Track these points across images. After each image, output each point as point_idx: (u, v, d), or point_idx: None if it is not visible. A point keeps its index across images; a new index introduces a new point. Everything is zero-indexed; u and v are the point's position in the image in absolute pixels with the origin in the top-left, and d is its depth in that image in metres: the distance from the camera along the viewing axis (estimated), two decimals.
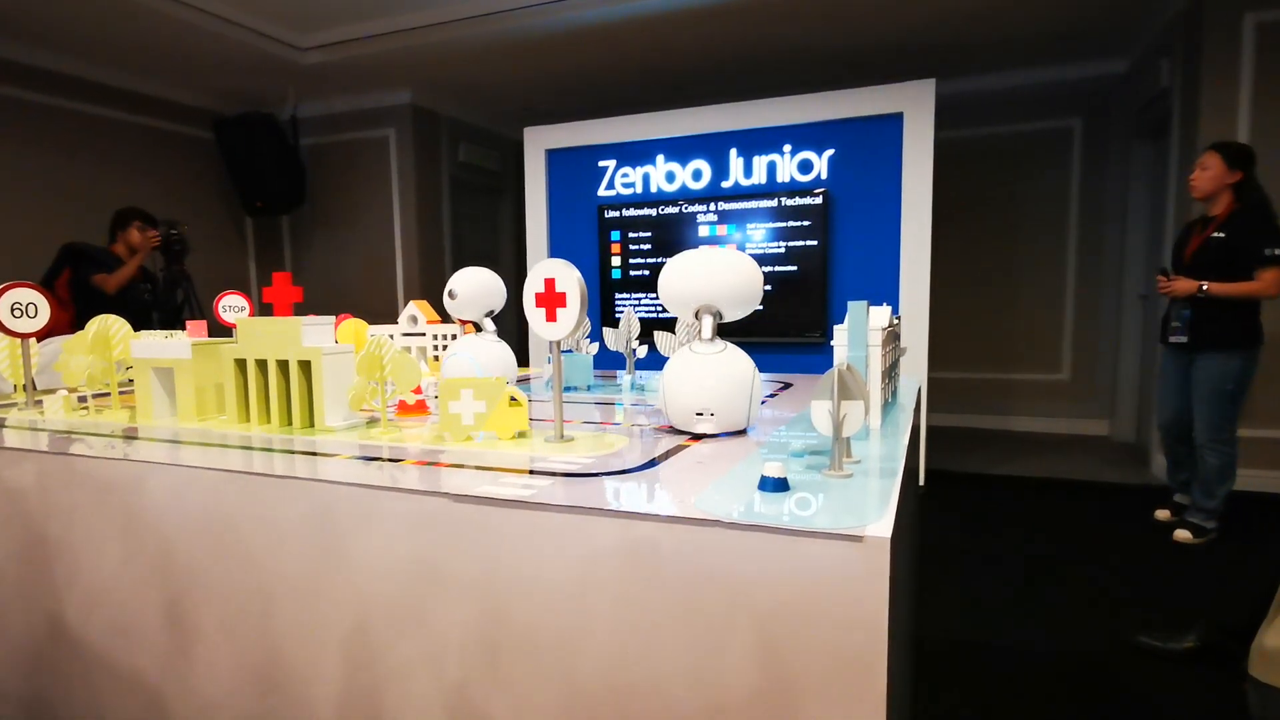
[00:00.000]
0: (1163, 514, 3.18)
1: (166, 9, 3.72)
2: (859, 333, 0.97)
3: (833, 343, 1.04)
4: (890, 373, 1.18)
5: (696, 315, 1.03)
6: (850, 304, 1.00)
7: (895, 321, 1.24)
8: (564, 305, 0.99)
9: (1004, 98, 5.06)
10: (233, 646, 0.97)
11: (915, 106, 3.55)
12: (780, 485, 0.70)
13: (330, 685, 0.90)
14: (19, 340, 1.48)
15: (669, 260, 1.05)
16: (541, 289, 0.99)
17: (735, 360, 1.01)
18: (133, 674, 1.07)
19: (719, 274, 1.00)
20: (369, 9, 4.02)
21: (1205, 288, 2.74)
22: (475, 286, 1.49)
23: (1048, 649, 2.13)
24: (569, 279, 0.98)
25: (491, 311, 1.55)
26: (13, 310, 1.43)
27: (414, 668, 0.84)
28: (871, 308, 1.05)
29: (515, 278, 6.72)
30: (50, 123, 4.36)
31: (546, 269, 0.99)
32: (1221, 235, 2.75)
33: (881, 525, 0.58)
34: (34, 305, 1.46)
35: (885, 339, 1.06)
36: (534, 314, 1.00)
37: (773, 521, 0.62)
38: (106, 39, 4.10)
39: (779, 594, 0.62)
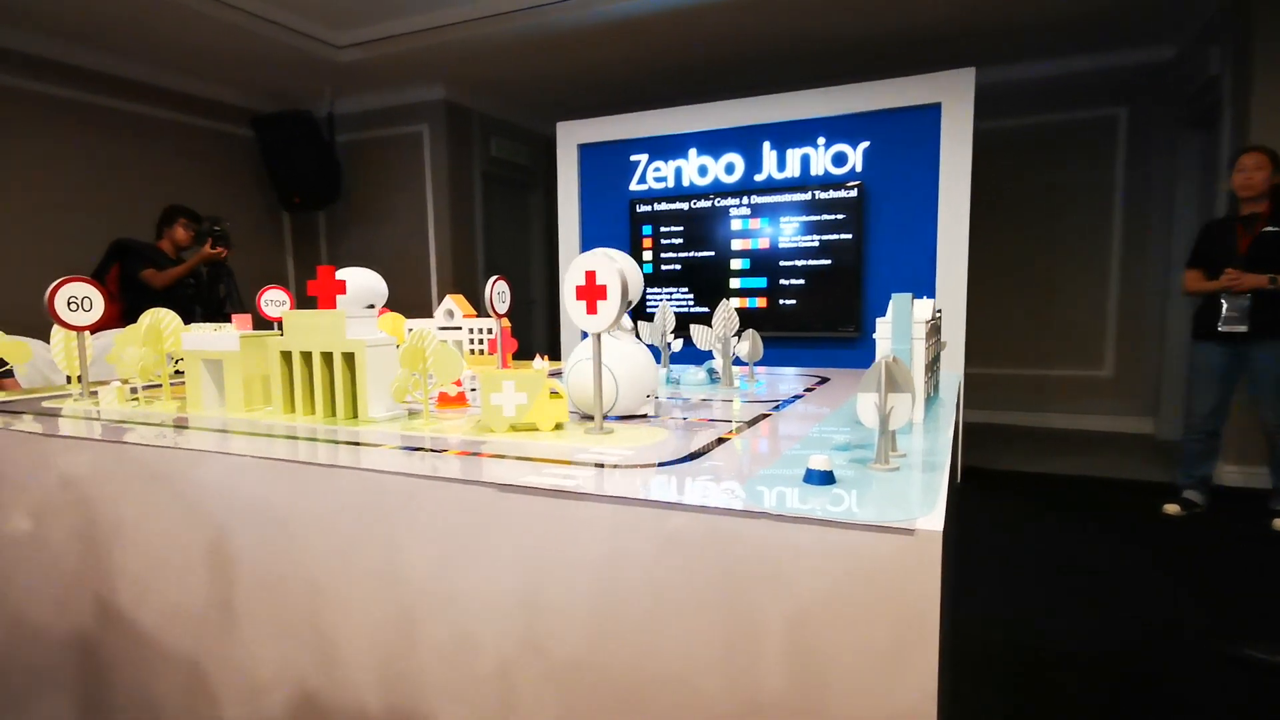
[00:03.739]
0: (1172, 509, 3.23)
1: (210, 10, 3.81)
2: (903, 325, 0.96)
3: (875, 335, 1.03)
4: (932, 367, 1.16)
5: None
6: (894, 296, 0.98)
7: (937, 315, 1.23)
8: (604, 298, 0.99)
9: (1045, 86, 4.93)
10: (280, 631, 0.99)
11: (954, 97, 3.48)
12: (826, 478, 0.69)
13: (373, 669, 0.92)
14: (74, 333, 1.53)
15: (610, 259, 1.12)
16: (582, 281, 0.99)
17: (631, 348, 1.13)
18: (182, 657, 1.11)
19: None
20: (404, 6, 4.06)
21: (1277, 279, 2.86)
22: (353, 286, 1.56)
23: (1085, 648, 2.09)
24: (609, 272, 0.98)
25: (372, 306, 1.62)
26: (69, 304, 1.48)
27: (453, 654, 0.85)
28: (912, 296, 1.03)
29: (546, 272, 6.75)
30: (100, 121, 4.49)
31: (587, 261, 0.99)
32: (1277, 229, 2.91)
33: (932, 519, 0.58)
34: (89, 299, 1.51)
35: (928, 332, 1.04)
36: (574, 306, 1.01)
37: (820, 514, 0.62)
38: (152, 40, 4.21)
39: (827, 587, 0.62)
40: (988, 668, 2.00)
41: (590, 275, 0.99)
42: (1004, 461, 4.25)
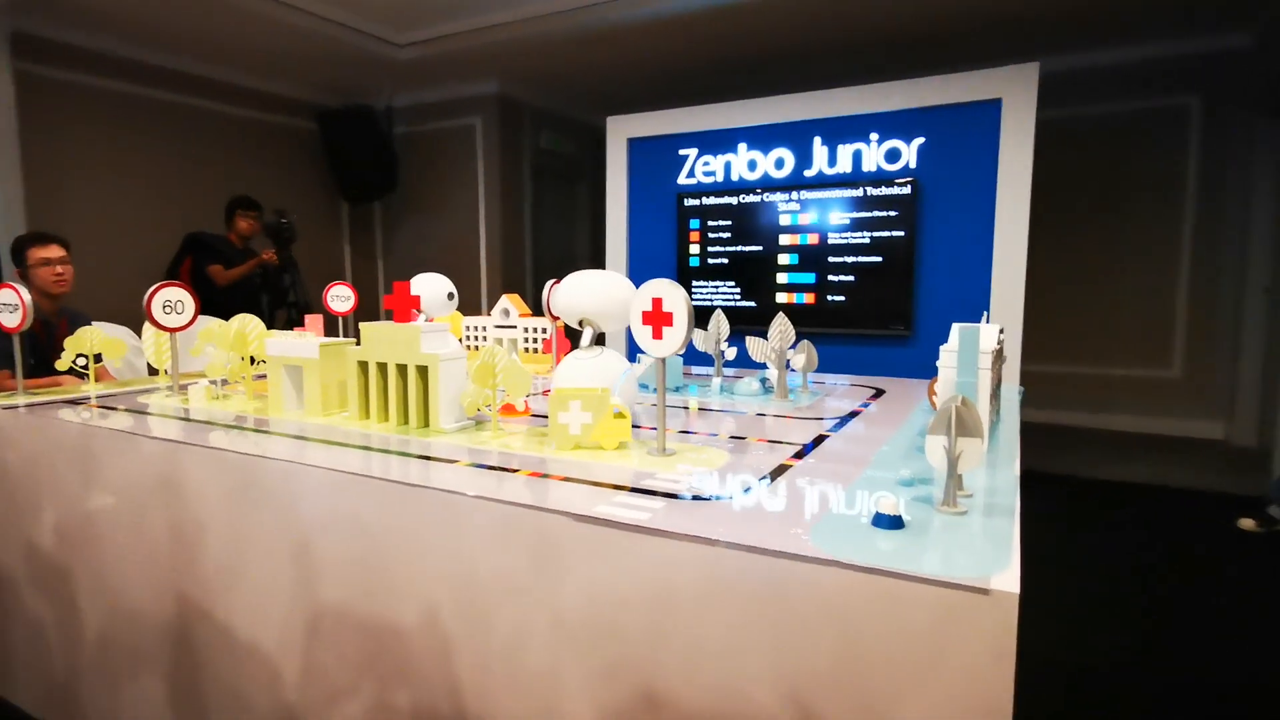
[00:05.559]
0: (1248, 523, 3.04)
1: (282, 14, 3.97)
2: (969, 358, 0.96)
3: (938, 363, 1.03)
4: (996, 392, 1.16)
5: (580, 324, 1.28)
6: (958, 327, 0.98)
7: (1001, 338, 1.22)
8: (670, 324, 1.01)
9: (1113, 74, 4.74)
10: (355, 630, 1.05)
11: (1015, 92, 3.37)
12: (895, 523, 0.71)
13: (436, 670, 0.97)
14: (166, 333, 1.63)
15: (564, 280, 1.29)
16: (649, 308, 1.02)
17: (611, 362, 1.22)
18: (264, 650, 1.18)
19: (599, 292, 1.25)
20: (463, 7, 4.14)
21: None
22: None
23: (1147, 669, 2.04)
24: (676, 298, 1.01)
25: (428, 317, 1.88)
26: (164, 307, 1.58)
27: (519, 666, 0.89)
28: (979, 327, 1.03)
29: (590, 263, 6.80)
30: (174, 118, 4.70)
31: (654, 289, 1.02)
32: None
33: (1008, 577, 0.58)
34: (181, 303, 1.60)
35: (993, 361, 1.04)
36: (641, 331, 1.04)
37: (891, 564, 0.62)
38: (229, 42, 4.41)
39: (893, 640, 0.62)
40: (1043, 690, 1.97)
41: (657, 302, 1.02)
42: (1062, 465, 4.15)
